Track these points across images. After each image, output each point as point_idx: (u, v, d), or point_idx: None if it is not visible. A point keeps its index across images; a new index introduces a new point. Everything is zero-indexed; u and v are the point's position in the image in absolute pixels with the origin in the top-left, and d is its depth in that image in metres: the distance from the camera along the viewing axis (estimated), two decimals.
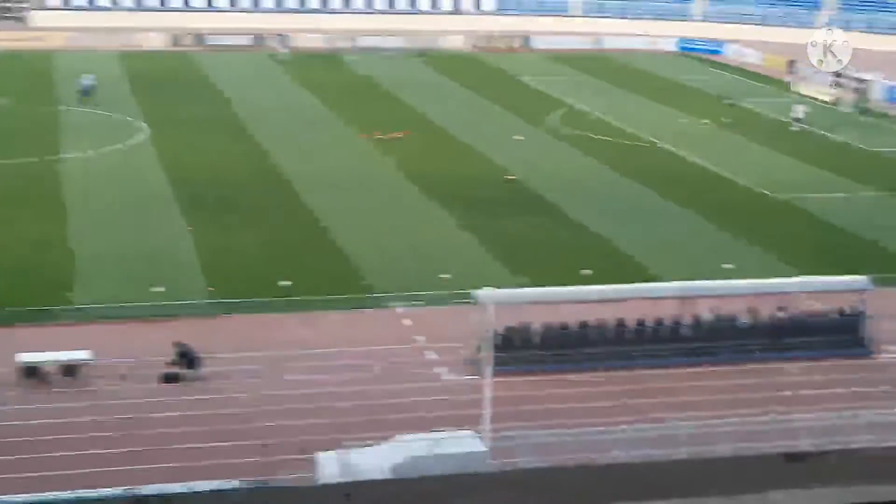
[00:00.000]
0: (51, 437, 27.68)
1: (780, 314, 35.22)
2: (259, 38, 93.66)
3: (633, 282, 37.07)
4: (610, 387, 31.98)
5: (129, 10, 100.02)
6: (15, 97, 69.02)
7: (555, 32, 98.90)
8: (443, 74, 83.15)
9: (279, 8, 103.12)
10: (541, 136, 63.67)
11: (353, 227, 45.02)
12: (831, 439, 27.54)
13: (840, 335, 35.45)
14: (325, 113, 68.04)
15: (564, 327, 33.86)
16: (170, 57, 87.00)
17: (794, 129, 65.89)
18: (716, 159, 58.24)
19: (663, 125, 66.45)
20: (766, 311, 35.13)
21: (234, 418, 28.89)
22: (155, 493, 21.16)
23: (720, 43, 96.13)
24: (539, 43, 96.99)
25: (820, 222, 48.03)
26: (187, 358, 31.18)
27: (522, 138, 62.54)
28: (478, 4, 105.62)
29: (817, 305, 35.84)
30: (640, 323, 34.34)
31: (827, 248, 44.34)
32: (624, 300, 34.10)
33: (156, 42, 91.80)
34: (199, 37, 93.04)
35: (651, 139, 62.85)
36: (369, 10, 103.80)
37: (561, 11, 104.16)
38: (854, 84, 74.54)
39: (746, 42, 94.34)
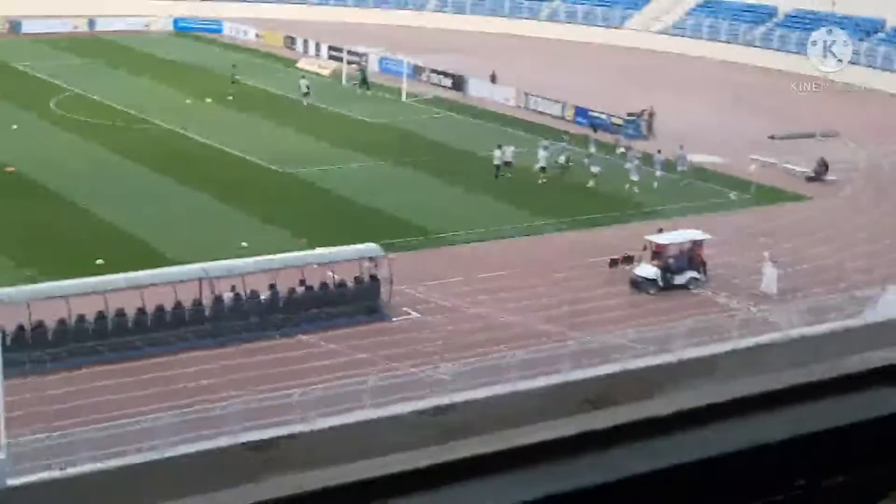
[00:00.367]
0: None
1: (299, 288, 35.62)
2: None
3: (150, 267, 36.16)
4: (127, 378, 31.14)
5: None
6: None
7: (45, 16, 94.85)
8: None
9: None
10: (40, 123, 60.99)
11: None
12: (334, 408, 28.25)
13: (358, 303, 36.37)
14: None
15: (81, 320, 32.61)
16: None
17: (300, 103, 66.88)
18: (223, 138, 58.08)
19: (167, 106, 65.46)
20: (286, 285, 35.42)
21: None
22: None
23: (218, 21, 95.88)
24: (29, 27, 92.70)
25: (329, 194, 49.05)
26: None
27: (16, 127, 59.68)
28: None
29: (334, 276, 36.53)
30: (160, 309, 33.66)
31: (338, 218, 45.31)
32: (142, 287, 33.31)
33: None
34: None
35: (155, 121, 61.76)
36: None
37: None
38: (353, 58, 76.71)
39: (243, 19, 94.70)
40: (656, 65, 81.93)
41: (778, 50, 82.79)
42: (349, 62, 76.17)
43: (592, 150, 54.37)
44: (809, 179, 52.99)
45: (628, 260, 40.05)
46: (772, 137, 60.37)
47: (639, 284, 38.70)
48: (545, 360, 31.30)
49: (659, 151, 53.06)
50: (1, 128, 59.33)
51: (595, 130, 59.17)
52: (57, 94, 68.06)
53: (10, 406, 25.92)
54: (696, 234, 40.62)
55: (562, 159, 52.46)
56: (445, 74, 73.46)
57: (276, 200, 47.53)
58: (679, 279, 38.86)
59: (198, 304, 34.20)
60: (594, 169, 50.62)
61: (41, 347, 31.95)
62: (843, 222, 47.22)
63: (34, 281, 34.98)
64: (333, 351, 33.38)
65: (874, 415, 1.67)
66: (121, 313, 33.15)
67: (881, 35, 79.97)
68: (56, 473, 23.93)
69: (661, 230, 41.47)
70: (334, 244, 38.71)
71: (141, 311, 33.41)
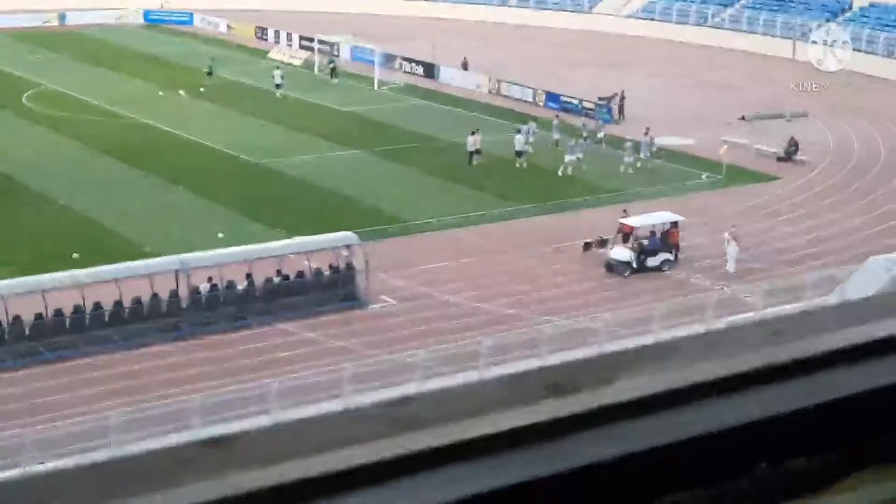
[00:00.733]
0: None
1: (276, 278, 35.81)
2: None
3: (126, 260, 36.27)
4: (107, 371, 31.26)
5: None
6: None
7: (15, 10, 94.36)
8: None
9: None
10: (11, 118, 60.85)
11: None
12: (298, 399, 28.36)
13: (335, 291, 36.60)
14: None
15: (59, 314, 32.71)
16: None
17: (274, 94, 66.86)
18: (196, 130, 58.10)
19: (140, 99, 65.38)
20: (262, 275, 35.60)
21: None
22: None
23: (188, 13, 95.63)
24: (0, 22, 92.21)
25: (303, 183, 49.18)
26: None
27: None
28: None
29: (311, 265, 36.72)
30: (137, 301, 33.79)
31: (313, 208, 45.46)
32: (120, 280, 33.44)
33: None
34: None
35: (128, 114, 61.69)
36: None
37: None
38: (323, 47, 76.74)
39: (213, 11, 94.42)
40: (626, 48, 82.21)
41: (748, 32, 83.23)
42: (321, 52, 76.20)
43: (557, 136, 54.47)
44: (780, 160, 53.42)
45: (602, 243, 40.38)
46: (742, 118, 60.79)
47: (613, 267, 39.04)
48: (515, 346, 31.55)
49: (629, 137, 53.40)
50: None
51: (585, 117, 58.80)
52: (29, 89, 67.86)
53: None
54: (669, 216, 40.97)
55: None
56: (417, 62, 73.59)
57: (251, 191, 47.62)
58: (653, 261, 39.21)
59: (174, 295, 34.33)
60: (571, 157, 50.54)
61: (21, 342, 32.11)
62: (814, 202, 47.66)
63: (11, 276, 35.02)
64: (309, 339, 33.60)
65: (835, 396, 1.69)
66: (97, 306, 33.23)
67: (848, 15, 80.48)
68: (12, 472, 24.04)
69: (625, 211, 41.81)
70: (310, 233, 38.90)
71: (117, 304, 33.51)
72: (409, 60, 73.97)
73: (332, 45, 77.56)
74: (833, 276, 36.03)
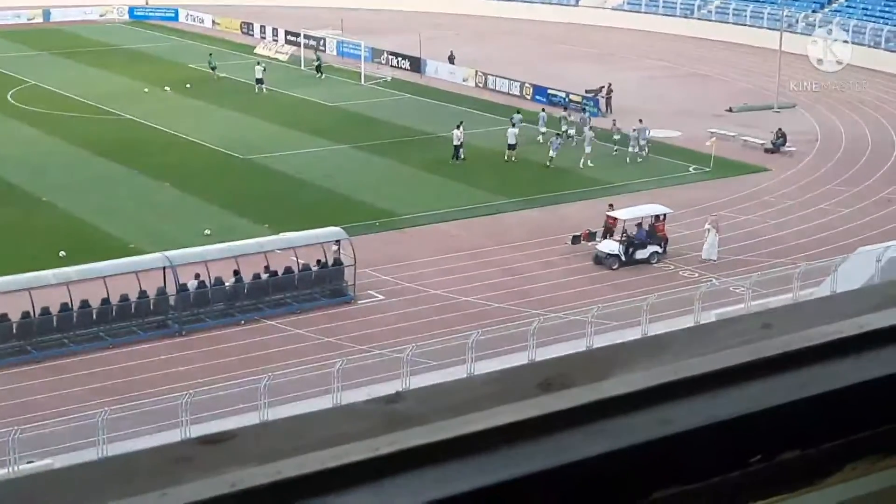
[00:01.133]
0: None
1: (264, 274, 35.76)
2: None
3: (113, 258, 36.19)
4: (96, 368, 31.20)
5: None
6: None
7: None
8: None
9: None
10: None
11: None
12: (287, 396, 28.30)
13: (323, 286, 36.57)
14: None
15: (46, 312, 32.61)
16: None
17: (259, 89, 66.74)
18: (183, 126, 57.96)
19: (126, 95, 65.19)
20: (250, 271, 35.55)
21: None
22: None
23: (174, 9, 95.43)
24: None
25: (291, 179, 49.08)
26: None
27: None
28: None
29: (298, 260, 36.69)
30: (125, 299, 33.71)
31: (301, 203, 45.37)
32: (107, 277, 33.35)
33: None
34: None
35: (115, 111, 61.53)
36: None
37: None
38: (309, 42, 76.62)
39: (198, 6, 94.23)
40: (612, 41, 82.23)
41: (735, 24, 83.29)
42: (307, 46, 76.07)
43: (543, 129, 54.44)
44: (768, 151, 53.49)
45: (591, 236, 40.39)
46: (729, 110, 60.85)
47: (601, 260, 39.05)
48: (504, 340, 31.54)
49: (616, 125, 53.42)
50: None
51: (565, 109, 58.50)
52: (14, 87, 67.65)
53: None
54: (657, 209, 41.00)
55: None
56: (404, 56, 73.52)
57: (238, 187, 47.53)
58: (641, 253, 39.23)
59: (162, 292, 34.27)
60: (554, 152, 50.58)
61: (6, 341, 32.03)
62: (802, 193, 47.73)
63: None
64: (298, 335, 33.56)
65: (827, 388, 1.68)
66: (85, 304, 33.14)
67: (835, 6, 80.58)
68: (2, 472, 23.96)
69: (611, 205, 41.85)
70: (297, 229, 38.87)
71: (105, 302, 33.43)
72: (396, 55, 73.90)
73: (318, 39, 77.43)
74: (822, 266, 36.08)
